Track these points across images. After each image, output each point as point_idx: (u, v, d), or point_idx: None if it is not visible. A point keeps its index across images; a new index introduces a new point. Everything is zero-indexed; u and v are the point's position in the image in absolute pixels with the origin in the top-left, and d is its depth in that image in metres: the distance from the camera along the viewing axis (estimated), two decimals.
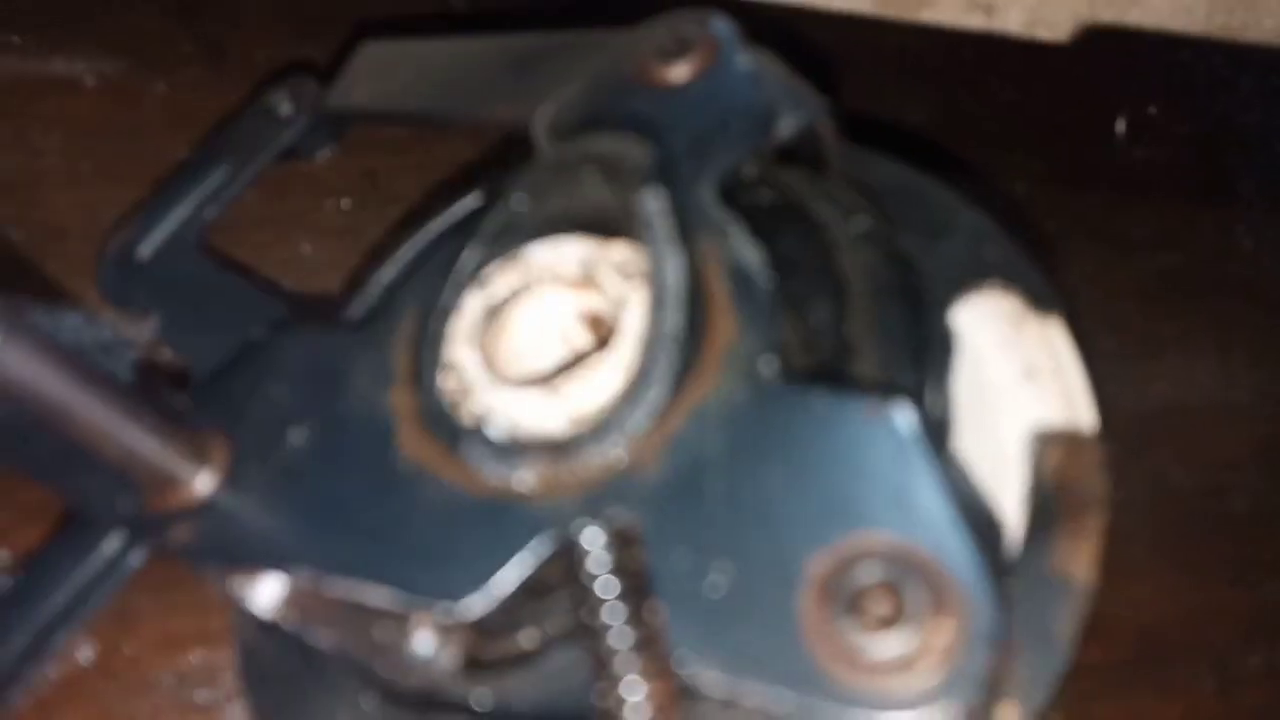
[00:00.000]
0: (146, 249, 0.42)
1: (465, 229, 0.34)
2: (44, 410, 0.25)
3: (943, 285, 0.31)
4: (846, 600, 0.21)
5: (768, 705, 0.21)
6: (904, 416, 0.23)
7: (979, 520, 0.24)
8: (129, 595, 0.35)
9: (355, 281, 0.41)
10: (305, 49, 0.50)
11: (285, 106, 0.44)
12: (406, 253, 0.35)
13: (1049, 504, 0.28)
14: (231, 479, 0.28)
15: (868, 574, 0.22)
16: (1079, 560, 0.27)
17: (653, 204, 0.25)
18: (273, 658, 0.32)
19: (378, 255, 0.39)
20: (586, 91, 0.33)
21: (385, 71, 0.41)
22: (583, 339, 0.31)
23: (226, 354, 0.35)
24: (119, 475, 0.30)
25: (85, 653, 0.36)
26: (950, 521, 0.22)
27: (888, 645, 0.21)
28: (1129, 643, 0.39)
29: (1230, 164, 0.51)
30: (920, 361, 0.28)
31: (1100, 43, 0.45)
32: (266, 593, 0.28)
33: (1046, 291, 0.31)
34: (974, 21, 0.42)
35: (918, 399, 0.26)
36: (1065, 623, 0.26)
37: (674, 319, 0.25)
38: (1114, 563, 0.29)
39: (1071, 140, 0.51)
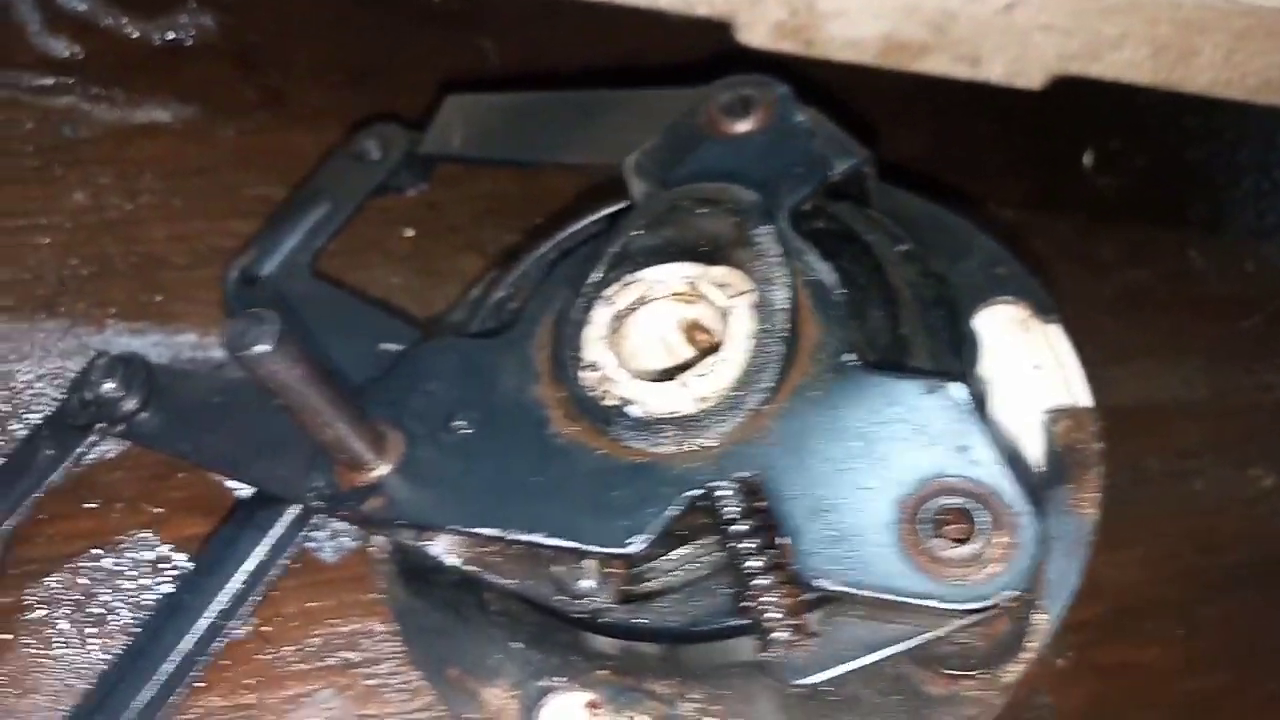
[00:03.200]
0: (265, 272, 0.48)
1: (571, 254, 0.41)
2: (293, 401, 0.31)
3: (966, 296, 0.39)
4: (930, 525, 0.29)
5: (881, 600, 0.28)
6: (960, 391, 0.31)
7: (1018, 465, 0.31)
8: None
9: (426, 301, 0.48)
10: (354, 95, 0.57)
11: (374, 150, 0.50)
12: (520, 278, 0.42)
13: (1059, 462, 0.36)
14: (407, 460, 0.35)
15: (943, 506, 0.29)
16: (1086, 502, 0.35)
17: (766, 236, 0.33)
18: (426, 616, 0.39)
19: (482, 282, 0.46)
20: (665, 142, 0.41)
21: (473, 120, 0.48)
22: (679, 343, 0.38)
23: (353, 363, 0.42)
24: (306, 461, 0.36)
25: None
26: (1001, 466, 0.29)
27: (963, 553, 0.28)
28: (1115, 601, 0.45)
29: (1181, 193, 0.59)
30: (959, 355, 0.35)
31: (1068, 89, 0.53)
32: (441, 548, 0.35)
33: (1048, 302, 0.39)
34: (960, 71, 0.47)
35: (964, 381, 0.34)
36: (1080, 550, 0.34)
37: (782, 323, 0.32)
38: (1101, 537, 0.36)
39: (1046, 172, 0.58)
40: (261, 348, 0.29)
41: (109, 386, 0.41)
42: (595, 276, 0.36)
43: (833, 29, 0.44)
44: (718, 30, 0.47)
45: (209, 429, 0.40)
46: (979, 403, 0.33)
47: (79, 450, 0.42)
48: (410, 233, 0.53)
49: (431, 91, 0.56)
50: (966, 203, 0.52)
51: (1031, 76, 0.46)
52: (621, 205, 0.42)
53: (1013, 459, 0.30)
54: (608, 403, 0.34)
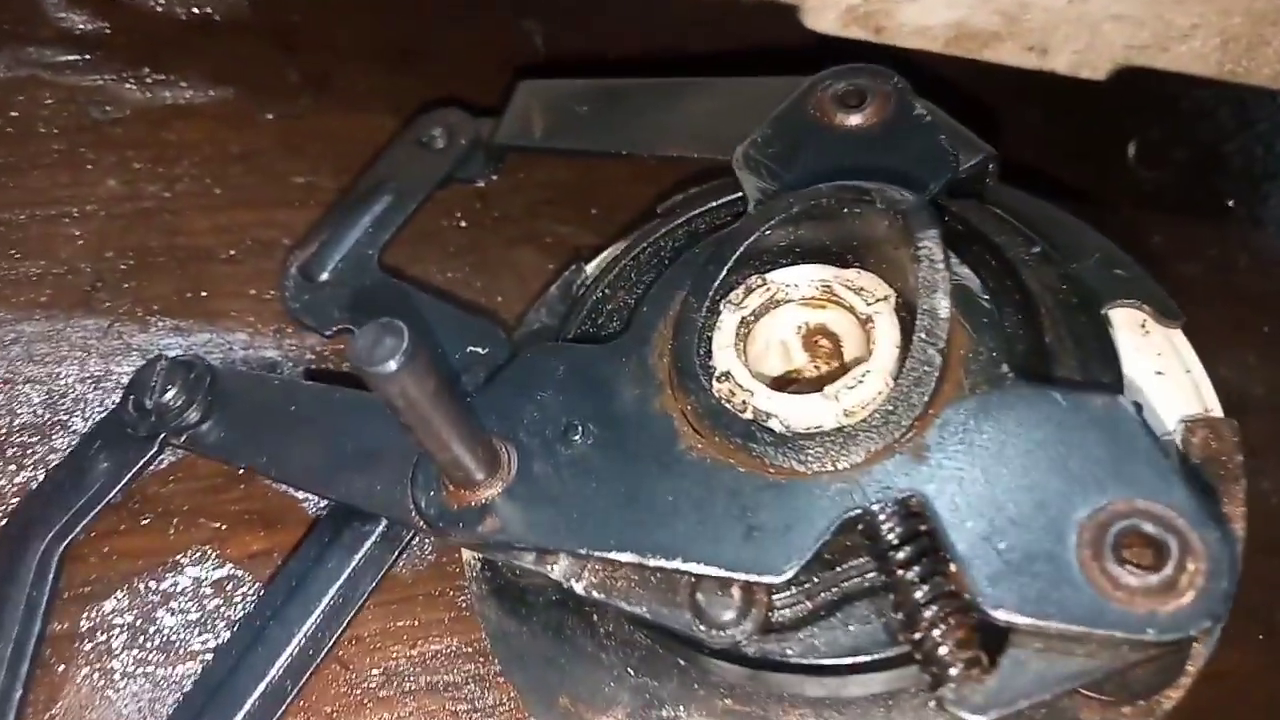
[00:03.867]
0: (326, 270, 0.45)
1: (678, 252, 0.38)
2: (413, 419, 0.28)
3: (1097, 297, 0.37)
4: (1115, 550, 0.27)
5: (1063, 631, 0.27)
6: (1128, 405, 0.29)
7: (1195, 484, 0.30)
8: None
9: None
10: (400, 78, 0.54)
11: (440, 139, 0.47)
12: (617, 277, 0.39)
13: (1202, 475, 0.34)
14: (522, 477, 0.32)
15: (1127, 529, 0.27)
16: (1236, 519, 0.33)
17: (931, 240, 0.31)
18: (527, 640, 0.36)
19: (562, 279, 0.43)
20: (773, 133, 0.39)
21: (552, 108, 0.45)
22: (797, 348, 0.36)
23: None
24: (403, 475, 0.34)
25: None
26: (1184, 486, 0.28)
27: (1154, 581, 0.27)
28: None
29: (1221, 186, 0.58)
30: (1106, 363, 0.34)
31: (1113, 80, 0.52)
32: (562, 572, 0.32)
33: (1170, 305, 0.38)
34: (1028, 62, 0.46)
35: (1119, 392, 0.32)
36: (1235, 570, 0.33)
37: (940, 331, 0.30)
38: None
39: (1091, 164, 0.57)
40: (393, 364, 0.26)
41: (170, 394, 0.38)
42: (721, 278, 0.34)
43: (905, 15, 0.42)
44: (783, 15, 0.45)
45: (286, 440, 0.37)
46: (1141, 414, 0.32)
47: (139, 464, 0.39)
48: (463, 224, 0.50)
49: (479, 75, 0.54)
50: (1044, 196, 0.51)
51: (1097, 67, 0.45)
52: (720, 201, 0.40)
53: (1189, 476, 0.29)
54: (746, 415, 0.31)
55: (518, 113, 0.45)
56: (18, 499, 0.41)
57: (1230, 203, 0.58)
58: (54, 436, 0.42)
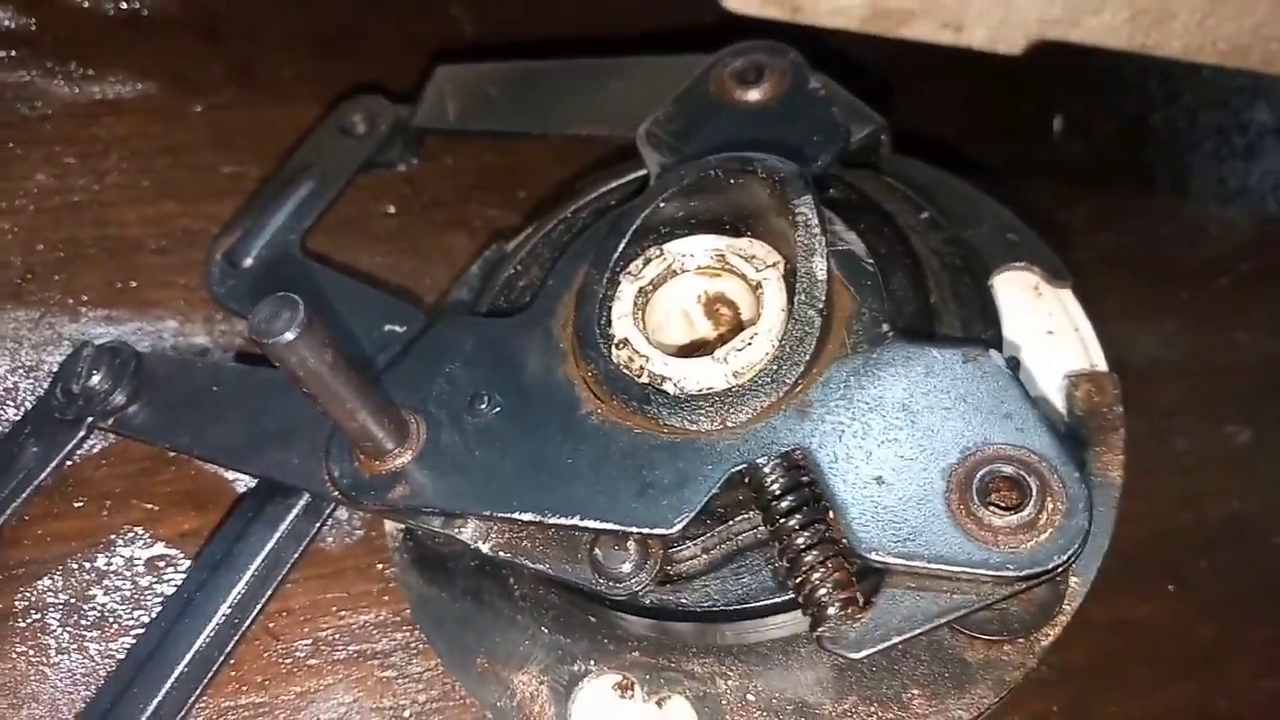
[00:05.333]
0: (250, 256, 0.46)
1: (585, 228, 0.40)
2: (316, 389, 0.30)
3: (979, 262, 0.39)
4: (981, 493, 0.29)
5: (931, 570, 0.28)
6: (1000, 359, 0.31)
7: (1059, 430, 0.31)
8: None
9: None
10: (326, 65, 0.55)
11: (360, 125, 0.48)
12: (529, 254, 0.40)
13: (1082, 425, 0.36)
14: (431, 445, 0.34)
15: (992, 474, 0.29)
16: (1114, 466, 0.35)
17: (805, 206, 0.32)
18: (446, 605, 0.38)
19: (481, 258, 0.44)
20: (676, 111, 0.40)
21: (468, 91, 0.46)
22: (700, 316, 0.37)
23: (358, 345, 0.40)
24: (320, 449, 0.35)
25: None
26: (1048, 433, 0.29)
27: (1016, 521, 0.28)
28: (1112, 560, 0.47)
29: (1147, 158, 0.59)
30: (988, 322, 0.35)
31: (1036, 57, 0.53)
32: (470, 534, 0.34)
33: (1060, 267, 0.39)
34: (944, 38, 0.47)
35: (998, 348, 0.34)
36: (1109, 513, 0.35)
37: (819, 292, 0.32)
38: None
39: (1017, 138, 0.58)
40: (289, 335, 0.28)
41: (96, 378, 0.39)
42: (619, 250, 0.35)
43: None
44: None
45: (209, 420, 0.38)
46: (1015, 369, 0.33)
47: (68, 446, 0.40)
48: (392, 209, 0.51)
49: (405, 60, 0.54)
50: (965, 171, 0.52)
51: (1013, 41, 0.46)
52: (626, 179, 0.41)
53: (1053, 423, 0.30)
54: (642, 380, 0.33)
55: (434, 97, 0.47)
56: None
57: (1154, 175, 0.60)
58: None
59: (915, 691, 0.33)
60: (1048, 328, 0.39)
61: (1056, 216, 0.55)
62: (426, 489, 0.33)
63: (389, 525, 0.39)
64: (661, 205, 0.35)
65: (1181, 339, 0.53)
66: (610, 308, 0.35)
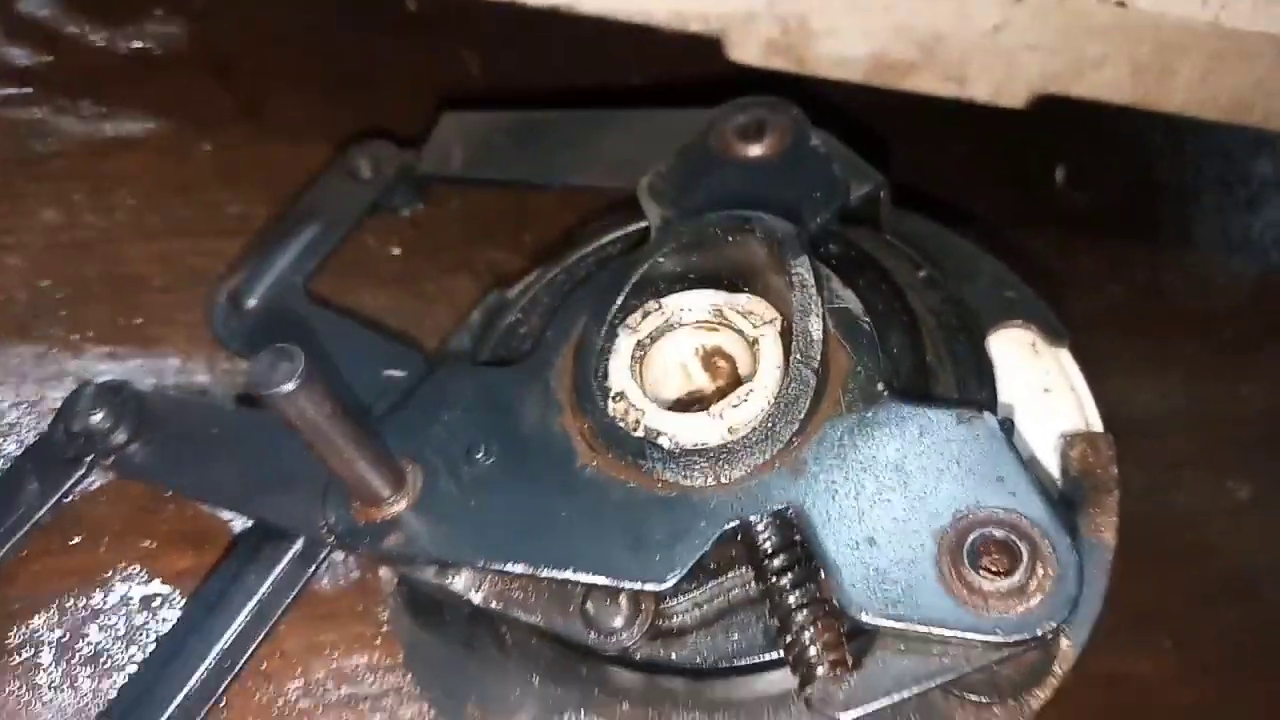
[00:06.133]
0: (254, 297, 0.47)
1: (586, 278, 0.40)
2: (314, 438, 0.30)
3: (978, 320, 0.39)
4: (972, 556, 0.29)
5: (921, 633, 0.28)
6: (994, 422, 0.31)
7: (1050, 495, 0.32)
8: None
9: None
10: (334, 107, 0.55)
11: (366, 170, 0.49)
12: (530, 302, 0.41)
13: (1077, 486, 0.36)
14: (427, 494, 0.34)
15: (983, 538, 0.29)
16: (1107, 528, 0.35)
17: (802, 266, 0.33)
18: (438, 650, 0.38)
19: (482, 305, 0.44)
20: (678, 164, 0.41)
21: (473, 139, 0.47)
22: (697, 370, 0.38)
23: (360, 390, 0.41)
24: (317, 494, 0.35)
25: None
26: (1040, 498, 0.30)
27: (1005, 586, 0.28)
28: (1109, 615, 0.47)
29: (1150, 209, 0.59)
30: (984, 382, 0.36)
31: (1039, 109, 0.54)
32: (463, 584, 0.34)
33: (1058, 325, 0.40)
34: (947, 90, 0.47)
35: (993, 409, 0.34)
36: (1102, 576, 0.35)
37: (814, 351, 0.32)
38: None
39: (1021, 189, 0.59)
40: (289, 386, 0.28)
41: (98, 417, 0.40)
42: (618, 303, 0.36)
43: (823, 47, 0.44)
44: (707, 47, 0.46)
45: (208, 462, 0.39)
46: (1009, 431, 0.33)
47: (67, 484, 0.40)
48: (397, 251, 0.52)
49: (414, 103, 0.55)
50: (967, 223, 0.53)
51: (1016, 95, 0.47)
52: (629, 229, 0.42)
53: (1045, 487, 0.30)
54: (637, 434, 0.33)
55: (440, 143, 0.47)
56: None
57: (1158, 225, 0.59)
58: None
59: None
60: (1044, 385, 0.39)
61: (1059, 268, 0.55)
62: (421, 537, 0.33)
63: (384, 570, 0.40)
64: (660, 260, 0.36)
65: (1184, 392, 0.53)
66: (608, 360, 0.35)
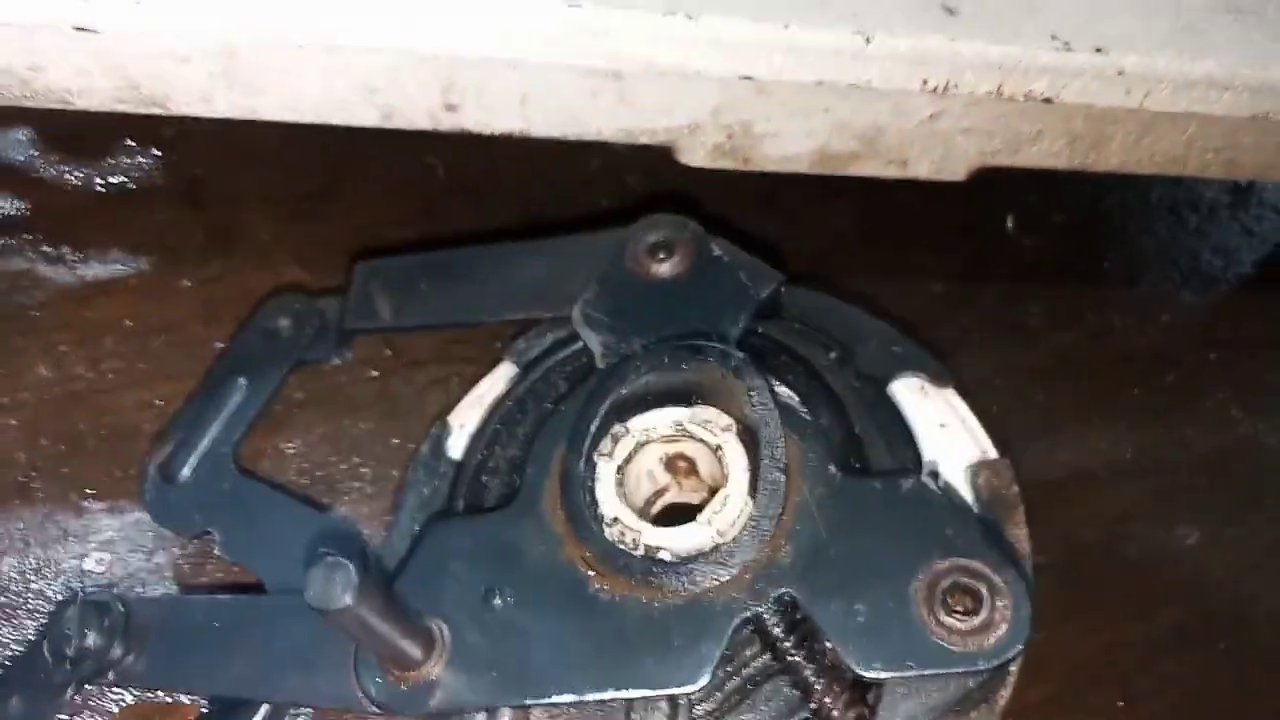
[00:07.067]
0: (185, 470, 0.47)
1: (551, 415, 0.43)
2: (362, 635, 0.32)
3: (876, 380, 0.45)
4: (944, 604, 0.35)
5: (920, 676, 0.34)
6: (932, 483, 0.37)
7: (991, 533, 0.38)
8: None
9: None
10: (305, 223, 0.56)
11: (286, 327, 0.50)
12: (494, 441, 0.44)
13: (990, 510, 0.43)
14: (458, 648, 0.37)
15: (949, 585, 0.35)
16: (1021, 538, 0.42)
17: (759, 385, 0.38)
18: None
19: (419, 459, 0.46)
20: (603, 290, 0.45)
21: (393, 285, 0.49)
22: (660, 472, 0.42)
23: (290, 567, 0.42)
24: (344, 667, 0.37)
25: None
26: (984, 542, 0.36)
27: (975, 623, 0.35)
28: (1056, 677, 0.47)
29: (1098, 245, 0.60)
30: (907, 440, 0.42)
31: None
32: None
33: (940, 369, 0.46)
34: (890, 172, 0.50)
35: (919, 465, 0.40)
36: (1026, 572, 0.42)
37: (780, 454, 0.37)
38: (1042, 616, 0.36)
39: (973, 241, 0.60)
40: (347, 599, 0.30)
41: (91, 637, 0.40)
42: (589, 435, 0.39)
43: (768, 147, 0.47)
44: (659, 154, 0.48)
45: (216, 656, 0.39)
46: (938, 482, 0.40)
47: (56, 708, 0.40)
48: (374, 374, 0.53)
49: (383, 212, 0.57)
50: (885, 276, 0.55)
51: (956, 171, 0.50)
52: (568, 351, 0.46)
53: (986, 532, 0.37)
54: (638, 553, 0.37)
55: (361, 296, 0.49)
56: None
57: (1106, 263, 0.61)
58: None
59: None
60: (939, 422, 0.46)
61: (1011, 318, 0.58)
62: (463, 690, 0.36)
63: None
64: (623, 392, 0.40)
65: (1132, 438, 0.54)
66: (593, 489, 0.39)
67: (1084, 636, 0.47)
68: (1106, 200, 0.63)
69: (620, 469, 0.40)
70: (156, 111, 0.46)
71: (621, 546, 0.37)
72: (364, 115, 0.46)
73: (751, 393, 0.38)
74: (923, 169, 0.50)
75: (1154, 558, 0.51)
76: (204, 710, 0.42)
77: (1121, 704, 0.47)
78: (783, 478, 0.37)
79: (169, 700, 0.43)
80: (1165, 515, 0.52)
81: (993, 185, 0.56)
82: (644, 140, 0.47)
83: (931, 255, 0.59)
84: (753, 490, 0.38)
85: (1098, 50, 0.45)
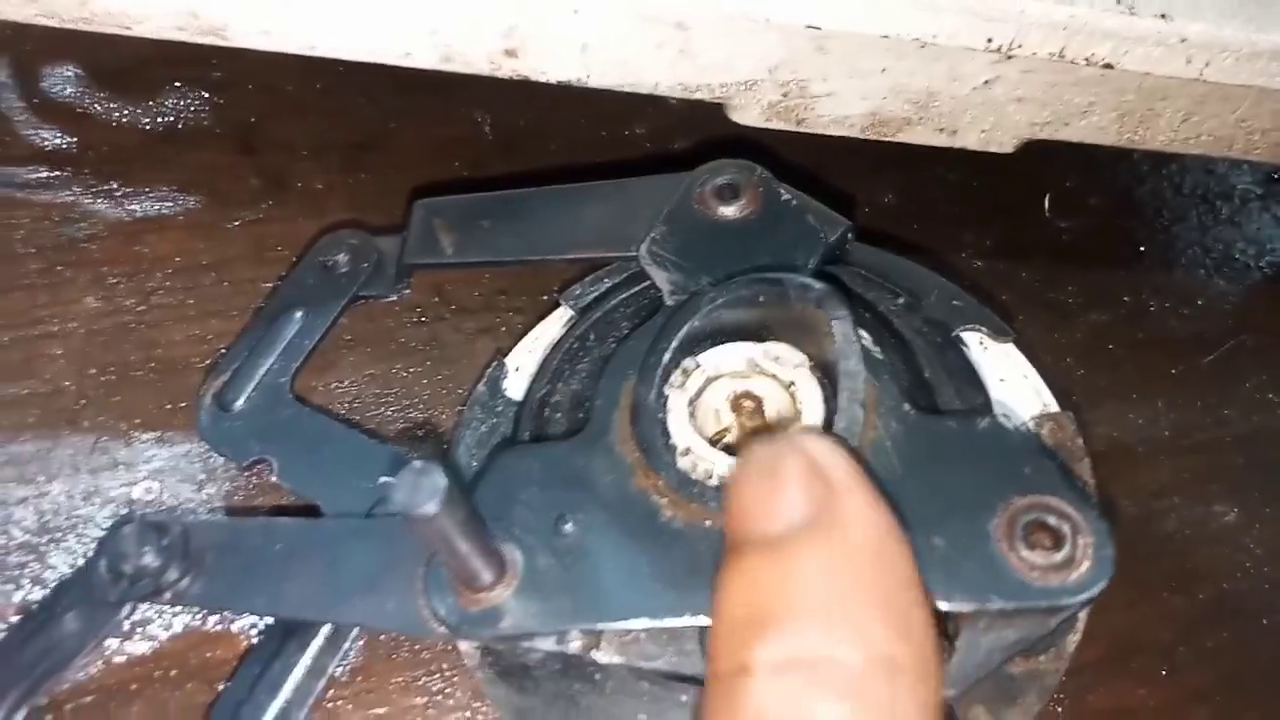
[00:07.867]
0: (241, 398, 0.47)
1: (620, 347, 0.43)
2: (444, 546, 0.32)
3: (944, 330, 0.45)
4: (1025, 539, 0.35)
5: (1000, 609, 0.34)
6: (1007, 422, 0.37)
7: (1070, 476, 0.38)
8: None
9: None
10: (354, 173, 0.57)
11: (343, 261, 0.50)
12: (556, 376, 0.44)
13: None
14: (528, 571, 0.36)
15: (1030, 521, 0.35)
16: (1090, 490, 0.42)
17: (845, 320, 0.37)
18: (541, 713, 0.40)
19: (477, 395, 0.46)
20: (669, 229, 0.44)
21: (455, 225, 0.49)
22: (726, 410, 0.42)
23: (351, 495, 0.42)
24: (409, 593, 0.37)
25: None
26: (1063, 480, 0.36)
27: (1058, 559, 0.34)
28: (1103, 644, 0.47)
29: (1134, 230, 0.61)
30: (977, 387, 0.42)
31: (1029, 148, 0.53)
32: (579, 645, 0.36)
33: (1000, 324, 0.46)
34: (938, 141, 0.51)
35: (990, 410, 0.40)
36: None
37: (860, 387, 0.37)
38: None
39: (1010, 220, 0.60)
40: (432, 507, 0.30)
41: (148, 557, 0.39)
42: (661, 367, 0.39)
43: (822, 109, 0.47)
44: (710, 109, 0.49)
45: (279, 579, 0.39)
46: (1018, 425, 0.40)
47: (109, 626, 0.40)
48: (423, 320, 0.53)
49: (431, 166, 0.57)
50: (927, 252, 0.57)
51: (1004, 143, 0.51)
52: (631, 291, 0.45)
53: (1064, 470, 0.37)
54: (712, 482, 0.37)
55: (421, 232, 0.49)
56: (17, 617, 0.42)
57: (1142, 248, 0.62)
58: (49, 554, 0.44)
59: (979, 708, 0.38)
60: (999, 377, 0.46)
61: (1048, 296, 0.59)
62: (534, 614, 0.36)
63: (463, 645, 0.41)
64: (696, 323, 0.40)
65: (1170, 416, 0.55)
66: (664, 419, 0.39)
67: (1123, 608, 0.48)
68: (1141, 189, 0.64)
69: (691, 401, 0.39)
70: (214, 41, 0.45)
71: (694, 476, 0.37)
72: (423, 57, 0.46)
73: (835, 322, 0.37)
74: (971, 139, 0.50)
75: (1192, 534, 0.51)
76: (254, 641, 0.42)
77: (1165, 673, 0.47)
78: (861, 412, 0.37)
79: (218, 629, 0.43)
80: (1203, 493, 0.52)
81: (1030, 169, 0.60)
82: (700, 96, 0.47)
83: (970, 233, 0.60)
84: (827, 426, 0.37)
85: (1162, 16, 0.45)
